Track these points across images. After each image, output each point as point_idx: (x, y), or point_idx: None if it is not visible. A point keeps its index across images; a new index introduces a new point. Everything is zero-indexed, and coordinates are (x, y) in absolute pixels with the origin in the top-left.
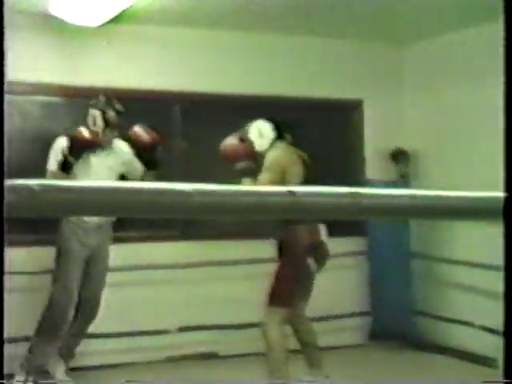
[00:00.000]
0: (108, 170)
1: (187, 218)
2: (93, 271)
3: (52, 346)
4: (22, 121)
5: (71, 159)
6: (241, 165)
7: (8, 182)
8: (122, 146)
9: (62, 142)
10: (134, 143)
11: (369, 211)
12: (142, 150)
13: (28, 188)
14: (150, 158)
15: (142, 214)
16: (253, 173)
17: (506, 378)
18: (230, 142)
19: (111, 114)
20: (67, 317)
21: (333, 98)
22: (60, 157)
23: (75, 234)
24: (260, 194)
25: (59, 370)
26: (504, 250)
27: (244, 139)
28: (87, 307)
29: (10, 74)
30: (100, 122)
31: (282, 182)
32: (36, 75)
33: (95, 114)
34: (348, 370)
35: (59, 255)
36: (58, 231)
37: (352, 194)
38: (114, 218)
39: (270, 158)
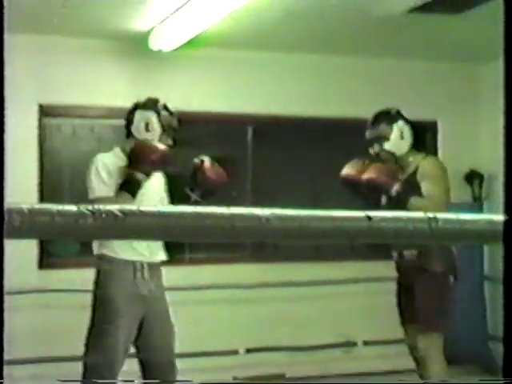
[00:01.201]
0: (155, 194)
1: (263, 241)
2: (153, 330)
3: None
4: (98, 144)
5: (140, 176)
6: (396, 187)
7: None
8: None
9: (111, 159)
10: (197, 176)
11: (445, 236)
12: (203, 186)
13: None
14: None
15: (218, 239)
16: (413, 189)
17: (506, 378)
18: (359, 166)
19: (166, 115)
20: None
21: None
22: (115, 176)
23: (118, 279)
24: (336, 219)
25: None
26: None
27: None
28: (159, 375)
29: (84, 99)
30: (156, 126)
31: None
32: (109, 99)
33: (149, 116)
34: None
35: (94, 310)
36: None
37: (429, 219)
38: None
39: (436, 167)
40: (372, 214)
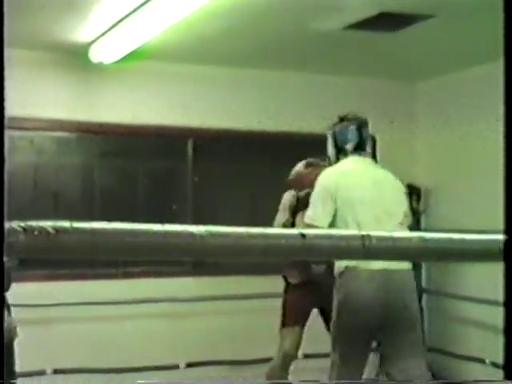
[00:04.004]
0: None
1: (198, 259)
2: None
3: None
4: (37, 156)
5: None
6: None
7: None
8: None
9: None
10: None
11: (379, 253)
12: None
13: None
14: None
15: (151, 256)
16: None
17: (506, 378)
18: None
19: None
20: None
21: None
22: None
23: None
24: (270, 237)
25: None
26: (504, 292)
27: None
28: None
29: (24, 111)
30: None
31: None
32: (49, 111)
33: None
34: None
35: (336, 319)
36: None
37: (363, 236)
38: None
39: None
40: (306, 231)
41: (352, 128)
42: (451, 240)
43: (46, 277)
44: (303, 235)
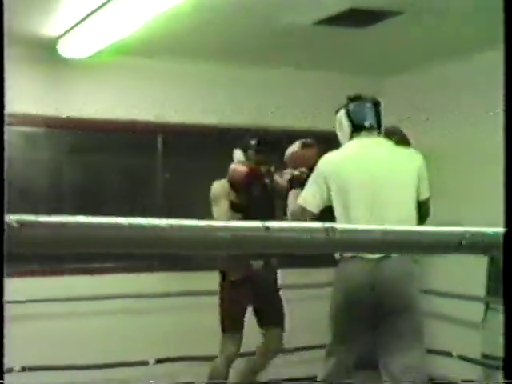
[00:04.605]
0: None
1: (162, 252)
2: (395, 327)
3: None
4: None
5: None
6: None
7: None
8: None
9: None
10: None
11: (342, 246)
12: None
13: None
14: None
15: (116, 250)
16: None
17: (506, 378)
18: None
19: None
20: None
21: (311, 129)
22: None
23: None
24: (234, 230)
25: None
26: (504, 285)
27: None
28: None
29: None
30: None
31: None
32: (16, 106)
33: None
34: None
35: (330, 303)
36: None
37: (326, 229)
38: None
39: None
40: (270, 224)
41: (369, 105)
42: (412, 232)
43: (8, 273)
44: (267, 228)
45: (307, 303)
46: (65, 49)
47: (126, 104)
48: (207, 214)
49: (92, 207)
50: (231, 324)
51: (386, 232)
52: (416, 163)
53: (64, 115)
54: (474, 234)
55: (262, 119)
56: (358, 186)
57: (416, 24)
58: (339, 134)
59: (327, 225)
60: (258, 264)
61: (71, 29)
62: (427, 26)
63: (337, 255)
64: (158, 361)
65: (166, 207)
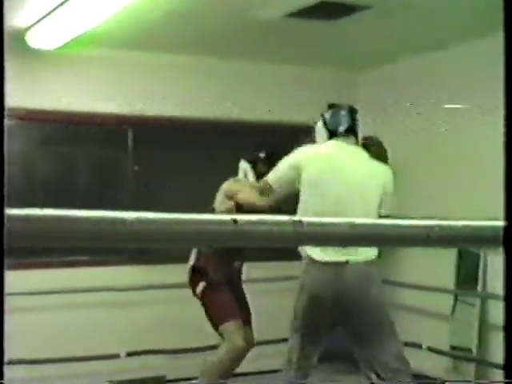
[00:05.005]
0: None
1: (128, 246)
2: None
3: None
4: None
5: None
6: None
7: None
8: None
9: None
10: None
11: (309, 239)
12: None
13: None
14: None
15: (84, 243)
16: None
17: (506, 378)
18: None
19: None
20: None
21: (285, 123)
22: None
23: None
24: (201, 223)
25: None
26: (504, 279)
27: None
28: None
29: None
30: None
31: None
32: None
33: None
34: None
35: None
36: None
37: (294, 222)
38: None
39: None
40: (238, 217)
41: (344, 112)
42: (380, 225)
43: None
44: (235, 221)
45: (269, 297)
46: (33, 40)
47: (96, 96)
48: (176, 207)
49: (63, 200)
50: (229, 312)
51: (353, 225)
52: (383, 179)
53: (33, 107)
54: (442, 227)
55: (234, 112)
56: (326, 182)
57: (387, 17)
58: (317, 141)
59: (295, 218)
60: (237, 265)
61: (40, 20)
62: (399, 18)
63: (303, 260)
64: (129, 354)
65: (136, 199)
